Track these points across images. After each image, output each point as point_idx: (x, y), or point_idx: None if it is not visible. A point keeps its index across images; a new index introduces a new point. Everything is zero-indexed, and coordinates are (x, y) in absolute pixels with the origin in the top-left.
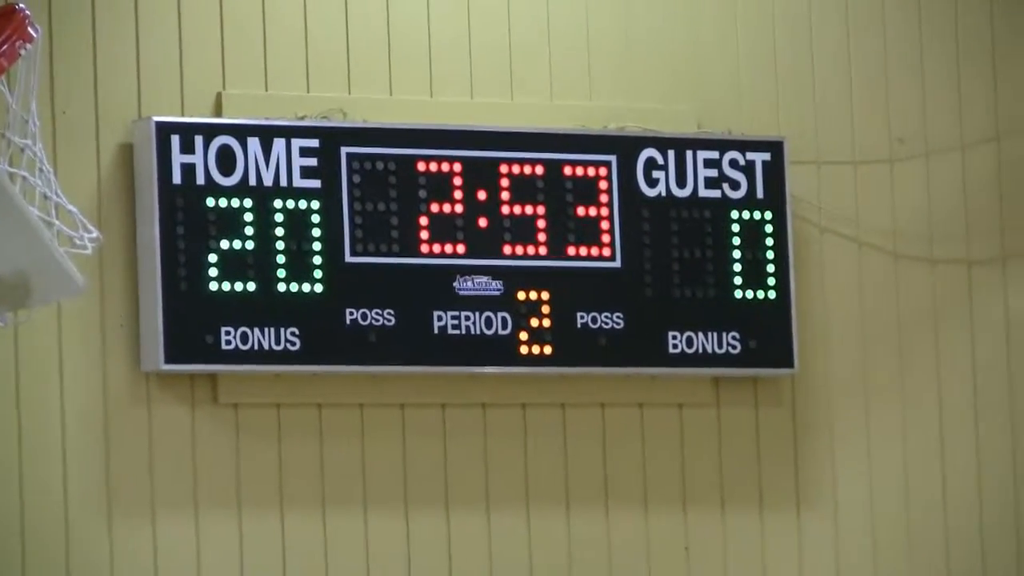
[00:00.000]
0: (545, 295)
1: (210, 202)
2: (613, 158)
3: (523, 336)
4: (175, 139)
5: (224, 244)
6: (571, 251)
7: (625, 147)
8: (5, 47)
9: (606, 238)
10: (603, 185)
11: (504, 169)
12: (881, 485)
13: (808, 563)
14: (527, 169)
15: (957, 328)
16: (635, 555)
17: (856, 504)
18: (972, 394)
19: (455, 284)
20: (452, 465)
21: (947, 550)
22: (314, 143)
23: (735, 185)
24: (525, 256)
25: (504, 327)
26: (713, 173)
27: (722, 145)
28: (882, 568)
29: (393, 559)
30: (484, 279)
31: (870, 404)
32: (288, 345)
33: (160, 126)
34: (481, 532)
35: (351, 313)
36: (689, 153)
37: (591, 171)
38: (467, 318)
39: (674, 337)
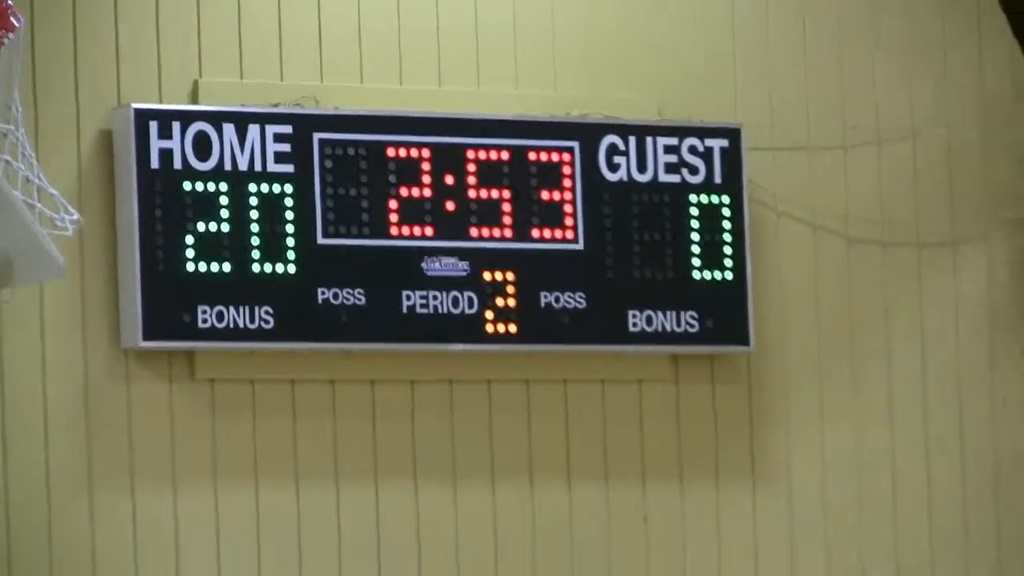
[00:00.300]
0: (510, 276)
1: (187, 186)
2: (576, 144)
3: (489, 315)
4: (153, 125)
5: (200, 226)
6: (535, 233)
7: (588, 134)
8: None
9: (569, 221)
10: (566, 170)
11: (471, 154)
12: (833, 460)
13: (762, 535)
14: (493, 154)
15: (908, 309)
16: (596, 525)
17: (809, 478)
18: (921, 373)
19: (423, 265)
20: (420, 439)
21: (895, 524)
22: (287, 129)
23: (694, 170)
24: (491, 238)
25: (471, 306)
26: (673, 159)
27: (681, 132)
28: (833, 541)
29: (363, 530)
30: (451, 260)
31: (823, 381)
32: (262, 323)
33: (139, 113)
34: (448, 504)
35: (323, 293)
36: (649, 139)
37: (555, 156)
38: (435, 298)
39: (634, 316)
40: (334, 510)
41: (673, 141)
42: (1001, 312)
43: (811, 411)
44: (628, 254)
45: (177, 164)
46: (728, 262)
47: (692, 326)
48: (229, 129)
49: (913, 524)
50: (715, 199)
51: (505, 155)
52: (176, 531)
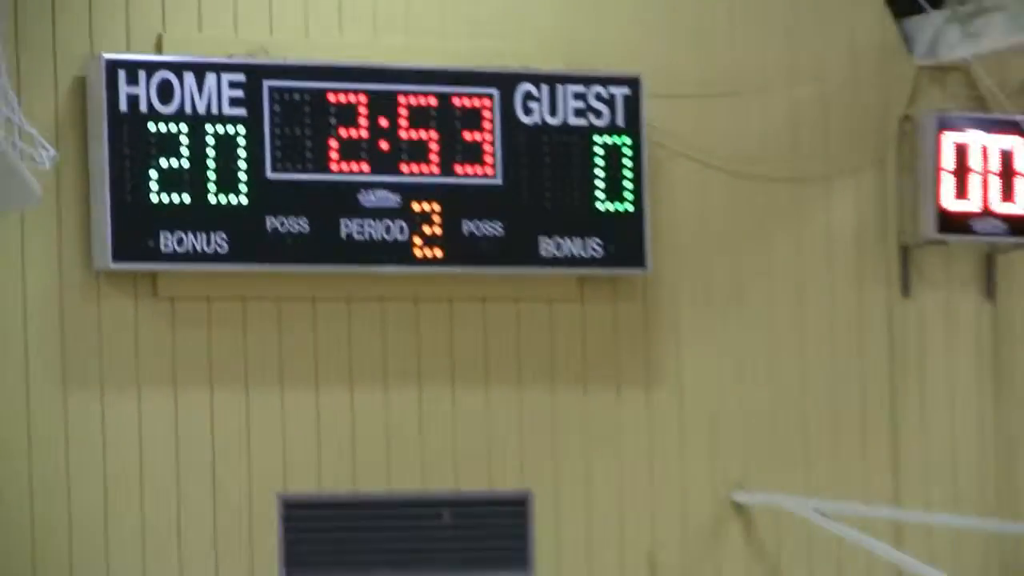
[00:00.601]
0: (436, 206)
1: (152, 127)
2: (495, 91)
3: (417, 241)
4: (122, 73)
5: (163, 162)
6: (459, 170)
7: (506, 82)
8: None
9: (489, 159)
10: (487, 114)
11: (402, 100)
12: (718, 368)
13: (657, 431)
14: (422, 100)
15: (786, 237)
16: (510, 426)
17: (697, 383)
18: (796, 293)
19: (360, 197)
20: (355, 349)
21: (773, 422)
22: (240, 77)
23: (598, 114)
24: (420, 174)
25: (401, 233)
26: (580, 104)
27: (588, 80)
28: (719, 437)
29: (304, 427)
30: (385, 193)
31: (711, 300)
32: (217, 248)
33: (109, 62)
34: (380, 404)
35: (271, 221)
36: (560, 87)
37: (476, 102)
38: (370, 225)
39: (545, 242)
40: (279, 410)
41: (580, 89)
42: (868, 239)
43: (700, 326)
44: (540, 188)
45: (143, 107)
46: (628, 195)
47: (596, 251)
48: (189, 77)
49: (789, 422)
50: (617, 140)
51: (433, 100)
52: (140, 429)
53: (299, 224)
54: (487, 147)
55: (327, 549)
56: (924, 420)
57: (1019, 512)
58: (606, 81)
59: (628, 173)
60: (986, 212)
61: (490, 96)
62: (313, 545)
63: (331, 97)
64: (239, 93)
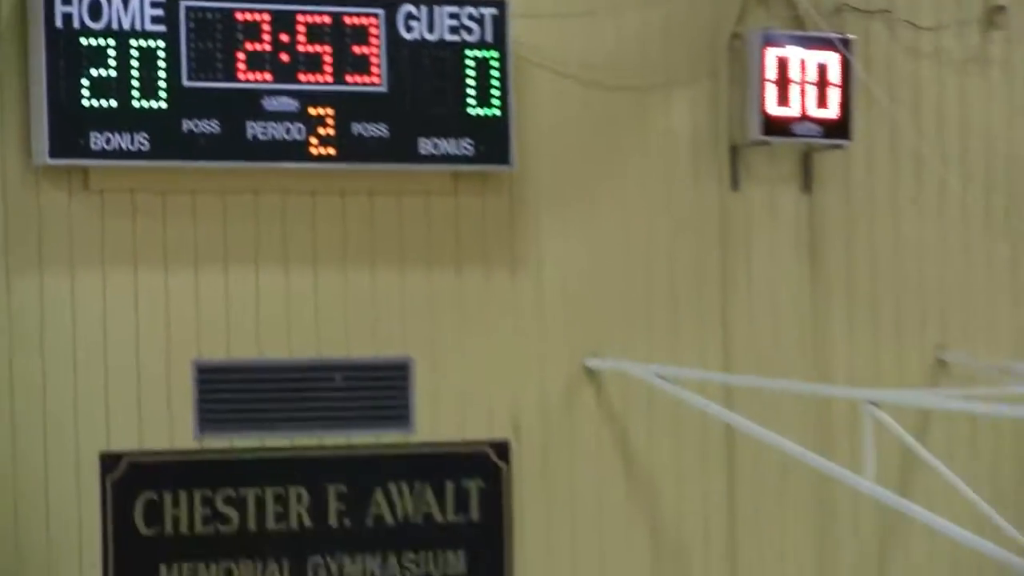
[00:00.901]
0: (330, 111)
1: (83, 41)
2: (382, 11)
3: (314, 141)
4: None
5: (94, 72)
6: (350, 79)
7: (390, 3)
8: None
9: (376, 70)
10: (374, 31)
11: (301, 18)
12: (574, 252)
13: (520, 308)
14: (318, 19)
15: (633, 140)
16: (393, 301)
17: (555, 266)
18: (640, 185)
19: (263, 102)
20: (261, 236)
21: (622, 297)
22: None
23: (470, 32)
24: (316, 83)
25: (300, 134)
26: (455, 23)
27: (461, 2)
28: (574, 312)
29: (216, 303)
30: (285, 99)
31: (568, 192)
32: (140, 147)
33: None
34: (280, 285)
35: (187, 123)
36: (437, 8)
37: (365, 20)
38: (272, 127)
39: (424, 142)
40: (194, 289)
41: (455, 9)
42: (703, 141)
43: (558, 215)
44: (420, 95)
45: (76, 24)
46: (496, 102)
47: (468, 150)
48: None
49: (635, 299)
50: (486, 54)
51: (327, 19)
52: (73, 306)
53: (211, 126)
54: (374, 59)
55: (235, 408)
56: (751, 297)
57: (831, 377)
58: (477, 3)
59: (496, 83)
60: (804, 117)
61: (376, 16)
62: (223, 404)
63: (239, 16)
64: (159, 12)
